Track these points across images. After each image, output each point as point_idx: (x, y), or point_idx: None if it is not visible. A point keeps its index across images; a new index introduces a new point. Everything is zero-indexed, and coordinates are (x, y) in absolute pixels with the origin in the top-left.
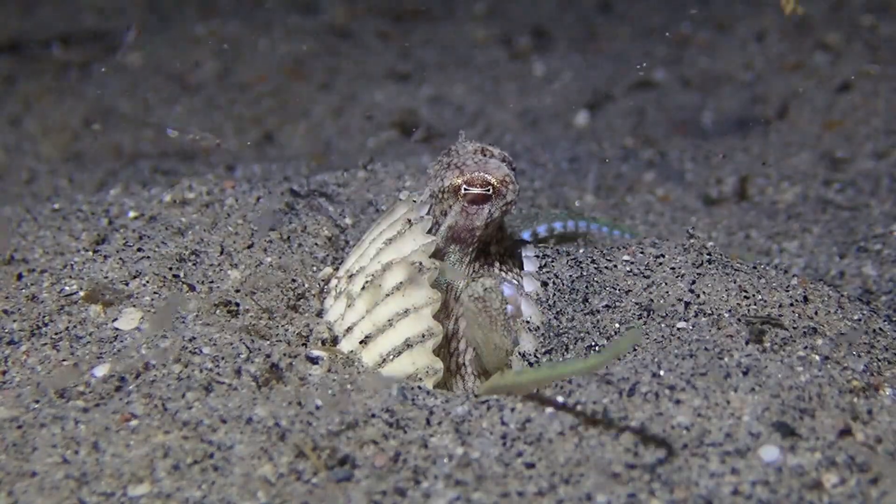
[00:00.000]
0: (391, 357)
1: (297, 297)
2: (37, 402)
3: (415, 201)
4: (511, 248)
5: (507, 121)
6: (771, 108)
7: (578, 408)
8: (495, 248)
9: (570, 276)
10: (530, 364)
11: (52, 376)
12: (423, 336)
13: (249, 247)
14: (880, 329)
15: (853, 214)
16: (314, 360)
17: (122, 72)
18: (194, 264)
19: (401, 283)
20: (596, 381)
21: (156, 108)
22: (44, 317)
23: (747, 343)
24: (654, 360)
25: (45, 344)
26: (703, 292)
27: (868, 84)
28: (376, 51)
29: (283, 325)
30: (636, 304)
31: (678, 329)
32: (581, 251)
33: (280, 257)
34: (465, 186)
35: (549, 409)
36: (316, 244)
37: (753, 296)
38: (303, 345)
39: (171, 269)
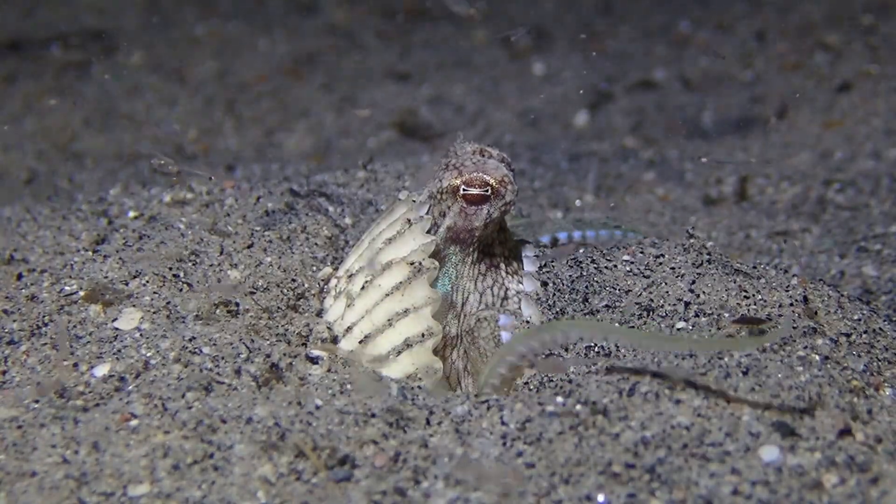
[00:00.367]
0: (391, 357)
1: (297, 297)
2: (37, 402)
3: (414, 201)
4: (515, 248)
5: (507, 121)
6: (771, 107)
7: (578, 407)
8: (500, 248)
9: (570, 276)
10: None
11: (51, 375)
12: (423, 336)
13: (249, 247)
14: (880, 329)
15: (853, 214)
16: (314, 360)
17: (121, 72)
18: (194, 264)
19: (400, 282)
20: (596, 381)
21: (156, 108)
22: (44, 317)
23: None
24: (654, 359)
25: (45, 344)
26: (703, 292)
27: (868, 84)
28: (376, 51)
29: (283, 325)
30: (636, 303)
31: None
32: (581, 251)
33: (280, 257)
34: (463, 187)
35: (550, 408)
36: (316, 244)
37: (753, 296)
38: (303, 345)
39: (170, 268)
